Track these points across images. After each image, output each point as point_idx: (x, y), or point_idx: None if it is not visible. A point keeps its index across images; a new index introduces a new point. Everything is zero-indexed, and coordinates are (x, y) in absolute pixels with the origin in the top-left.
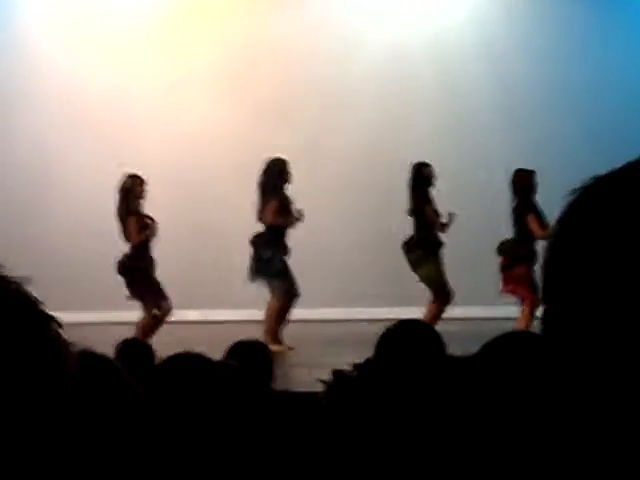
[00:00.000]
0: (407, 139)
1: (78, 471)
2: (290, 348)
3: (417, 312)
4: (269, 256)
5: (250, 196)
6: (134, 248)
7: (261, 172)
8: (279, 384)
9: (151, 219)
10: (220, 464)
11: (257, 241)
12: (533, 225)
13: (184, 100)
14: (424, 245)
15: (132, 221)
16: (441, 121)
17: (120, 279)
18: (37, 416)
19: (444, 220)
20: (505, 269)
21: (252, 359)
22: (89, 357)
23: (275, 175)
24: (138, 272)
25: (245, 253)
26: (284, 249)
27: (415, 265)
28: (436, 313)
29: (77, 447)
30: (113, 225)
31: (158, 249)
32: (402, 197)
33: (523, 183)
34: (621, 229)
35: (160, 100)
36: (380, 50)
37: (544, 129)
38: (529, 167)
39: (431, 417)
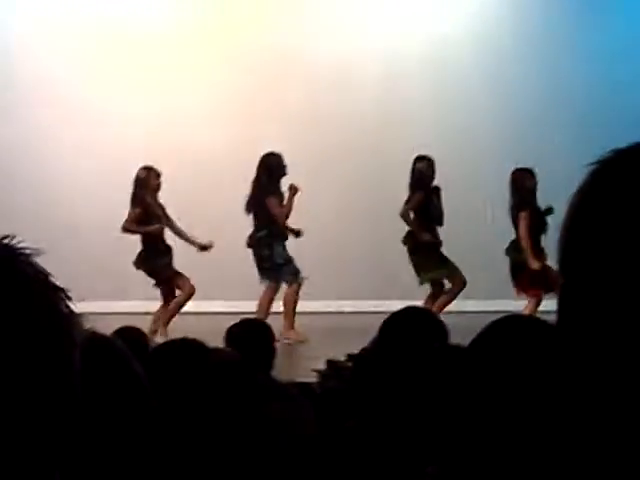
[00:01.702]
0: (405, 136)
1: (82, 444)
2: (304, 340)
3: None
4: (268, 253)
5: (248, 189)
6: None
7: (256, 167)
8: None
9: (164, 214)
10: (215, 449)
11: (252, 243)
12: (522, 224)
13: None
14: (419, 250)
15: (134, 212)
16: (438, 119)
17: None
18: (46, 385)
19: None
20: (516, 270)
21: (253, 338)
22: (89, 337)
23: (271, 170)
24: (154, 267)
25: (240, 244)
26: (282, 239)
27: (417, 269)
28: (447, 302)
29: (80, 422)
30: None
31: None
32: (402, 193)
33: (521, 182)
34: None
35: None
36: (378, 50)
37: (541, 128)
38: (525, 164)
39: (429, 403)
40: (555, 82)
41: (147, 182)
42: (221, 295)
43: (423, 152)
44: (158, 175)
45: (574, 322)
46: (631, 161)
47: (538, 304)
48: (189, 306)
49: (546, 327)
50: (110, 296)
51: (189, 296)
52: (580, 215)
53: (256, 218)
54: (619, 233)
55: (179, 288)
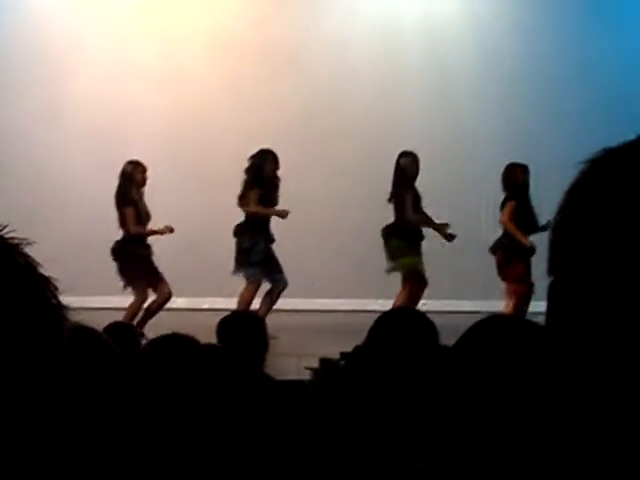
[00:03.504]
0: (399, 132)
1: (67, 438)
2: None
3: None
4: (248, 246)
5: (239, 184)
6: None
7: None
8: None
9: (147, 215)
10: (204, 445)
11: (238, 230)
12: (505, 211)
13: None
14: (406, 235)
15: (129, 212)
16: (430, 103)
17: (108, 264)
18: (32, 374)
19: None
20: (502, 266)
21: (245, 331)
22: (77, 329)
23: (259, 165)
24: (132, 257)
25: (230, 240)
26: (267, 238)
27: (395, 254)
28: (407, 299)
29: (66, 415)
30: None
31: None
32: (389, 186)
33: (513, 177)
34: (631, 201)
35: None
36: (372, 27)
37: (539, 109)
38: (517, 147)
39: (418, 402)
40: (553, 60)
41: (133, 177)
42: (213, 292)
43: (418, 144)
44: (144, 170)
45: (562, 321)
46: (622, 160)
47: (522, 303)
48: (180, 303)
49: (530, 326)
50: (111, 291)
51: (165, 301)
52: (569, 214)
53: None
54: (608, 232)
55: (155, 290)
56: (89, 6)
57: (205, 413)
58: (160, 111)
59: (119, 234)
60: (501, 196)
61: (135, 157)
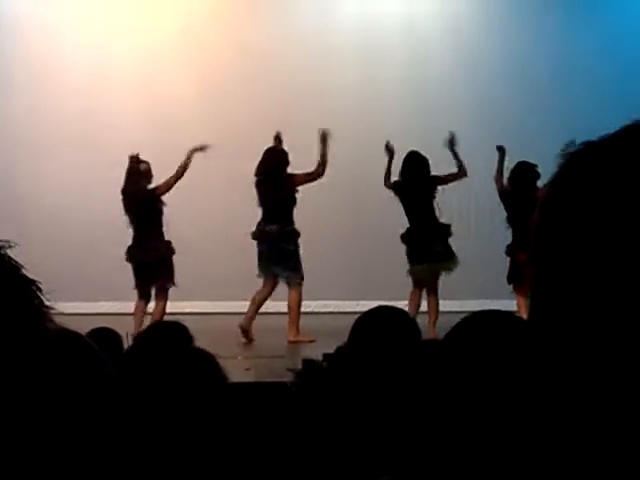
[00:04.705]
0: (384, 127)
1: (49, 439)
2: (312, 340)
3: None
4: (292, 249)
5: (229, 187)
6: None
7: (265, 161)
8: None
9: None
10: (187, 448)
11: (279, 235)
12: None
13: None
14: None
15: (162, 185)
16: (410, 103)
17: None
18: (15, 376)
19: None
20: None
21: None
22: (60, 333)
23: (279, 162)
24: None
25: (225, 245)
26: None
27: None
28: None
29: (48, 417)
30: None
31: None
32: (373, 189)
33: (521, 175)
34: (611, 193)
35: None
36: (350, 28)
37: (512, 109)
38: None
39: (402, 401)
40: (528, 58)
41: (148, 174)
42: (204, 296)
43: (399, 145)
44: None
45: (545, 315)
46: (601, 153)
47: None
48: (174, 307)
49: (517, 322)
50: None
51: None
52: (550, 208)
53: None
54: (589, 226)
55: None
56: (65, 9)
57: (187, 416)
58: (137, 114)
59: (101, 238)
60: (485, 196)
61: (112, 160)
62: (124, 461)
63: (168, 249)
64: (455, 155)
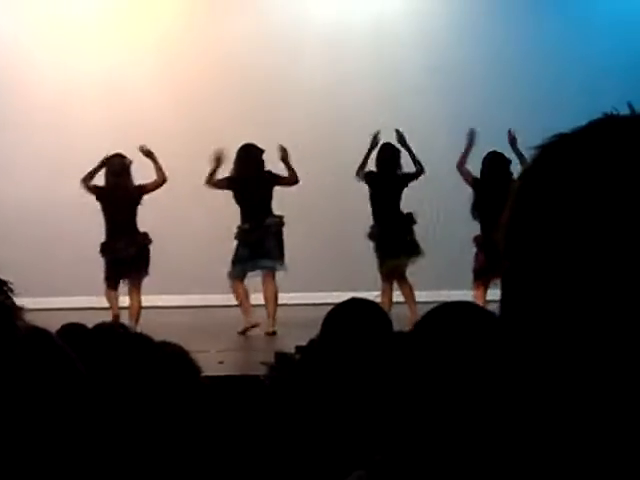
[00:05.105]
0: (358, 123)
1: (20, 440)
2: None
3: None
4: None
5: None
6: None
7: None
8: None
9: None
10: (159, 445)
11: (280, 227)
12: None
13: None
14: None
15: (148, 184)
16: (378, 102)
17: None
18: None
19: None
20: None
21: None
22: (30, 331)
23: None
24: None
25: (207, 240)
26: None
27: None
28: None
29: (18, 417)
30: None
31: None
32: (346, 180)
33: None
34: (584, 186)
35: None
36: (320, 29)
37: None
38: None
39: (374, 393)
40: (503, 56)
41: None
42: (178, 289)
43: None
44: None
45: (516, 308)
46: (574, 145)
47: None
48: (146, 301)
49: (483, 314)
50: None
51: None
52: (522, 201)
53: None
54: (561, 219)
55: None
56: (32, 23)
57: (159, 410)
58: (107, 126)
59: (74, 236)
60: (460, 190)
61: (83, 172)
62: (94, 458)
63: (146, 239)
64: (410, 152)
